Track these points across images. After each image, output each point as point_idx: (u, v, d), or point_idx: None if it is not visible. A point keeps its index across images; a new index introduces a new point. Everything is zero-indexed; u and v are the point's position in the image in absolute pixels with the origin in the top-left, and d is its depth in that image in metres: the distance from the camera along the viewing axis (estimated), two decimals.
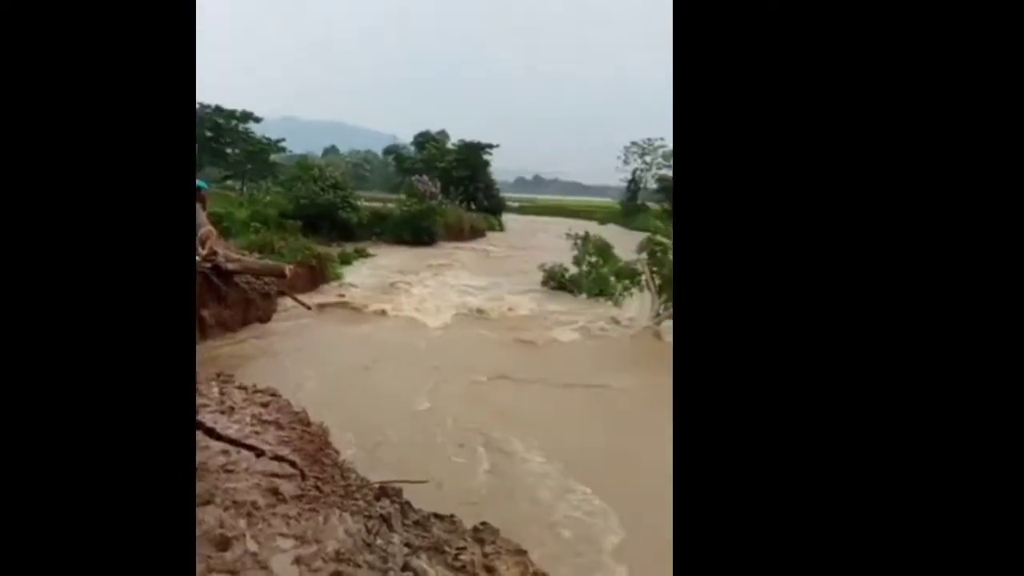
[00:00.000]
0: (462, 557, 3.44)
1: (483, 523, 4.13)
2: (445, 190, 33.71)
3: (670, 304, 12.74)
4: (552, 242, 19.00)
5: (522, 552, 3.70)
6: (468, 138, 43.66)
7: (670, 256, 12.93)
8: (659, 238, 13.32)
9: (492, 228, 37.42)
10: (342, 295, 14.15)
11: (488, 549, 3.70)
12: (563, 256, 16.46)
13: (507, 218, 44.03)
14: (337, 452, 4.53)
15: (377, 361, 9.71)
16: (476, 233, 32.85)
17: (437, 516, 4.13)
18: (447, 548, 3.53)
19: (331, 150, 64.47)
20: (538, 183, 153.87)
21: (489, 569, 3.42)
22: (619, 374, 9.98)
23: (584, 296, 15.24)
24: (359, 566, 2.84)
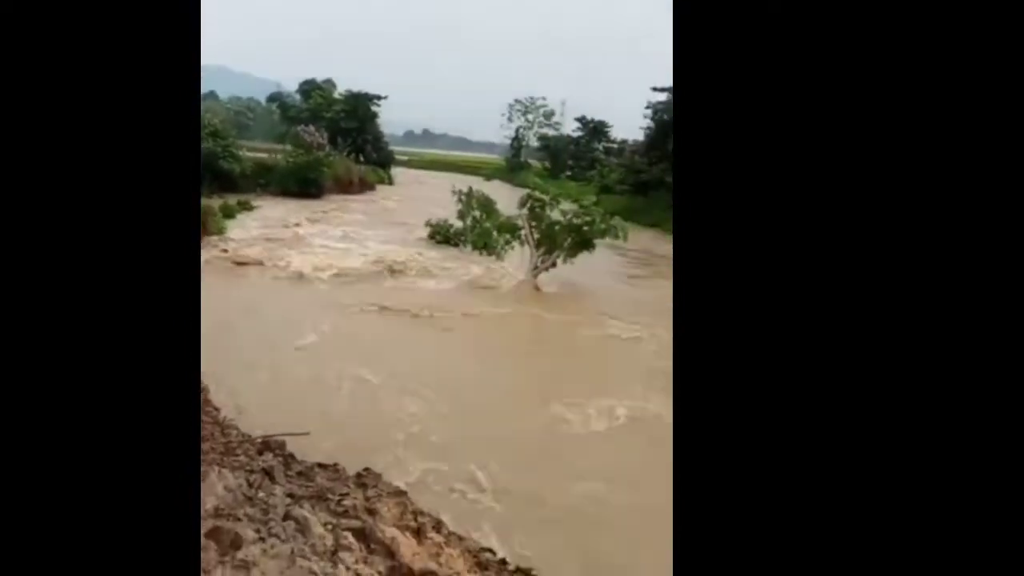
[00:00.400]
0: (345, 502, 3.48)
1: (366, 469, 4.18)
2: (333, 141, 32.14)
3: (547, 257, 13.11)
4: (440, 196, 18.85)
5: (402, 493, 3.80)
6: (356, 89, 41.57)
7: (548, 211, 13.22)
8: (538, 194, 13.52)
9: (381, 181, 36.29)
10: (225, 250, 13.30)
11: (370, 493, 3.76)
12: (451, 211, 16.36)
13: (396, 172, 42.80)
14: (217, 410, 4.36)
15: (256, 313, 9.32)
16: (365, 186, 31.72)
17: (321, 465, 4.12)
18: (330, 495, 3.55)
19: (210, 96, 58.98)
20: (427, 137, 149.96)
21: (371, 511, 3.48)
22: (491, 309, 10.86)
23: (469, 249, 15.30)
24: (239, 519, 2.81)
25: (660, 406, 7.05)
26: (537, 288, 12.67)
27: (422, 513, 3.65)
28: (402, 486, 4.10)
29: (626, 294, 13.68)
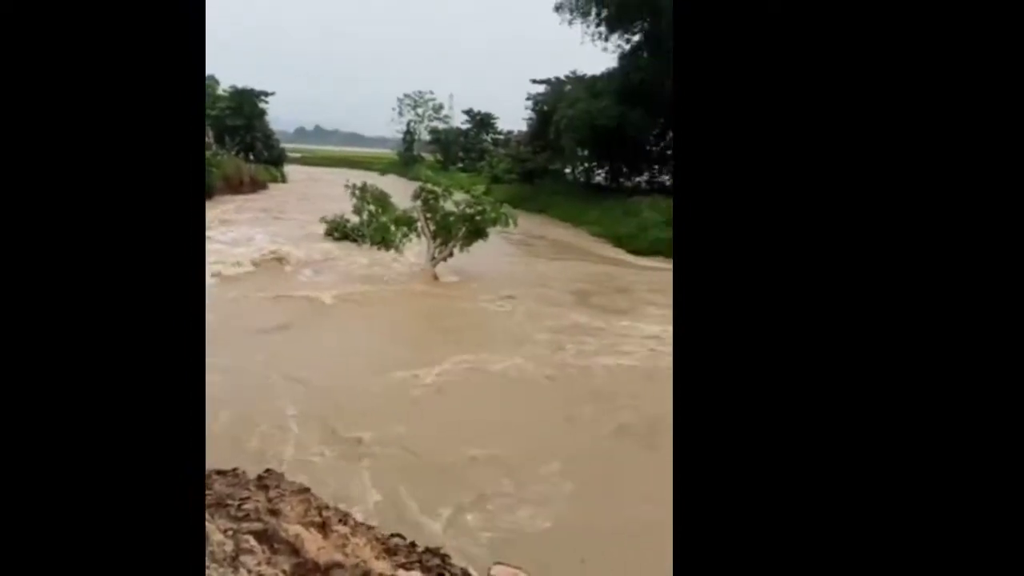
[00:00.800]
0: (246, 506, 3.28)
1: (267, 470, 3.96)
2: (220, 140, 30.10)
3: (443, 248, 13.00)
4: (335, 192, 18.15)
5: (306, 490, 3.64)
6: (241, 85, 38.84)
7: (441, 203, 13.10)
8: (430, 186, 13.35)
9: (274, 179, 34.35)
10: None
11: (272, 494, 3.57)
12: (346, 206, 15.81)
13: (290, 169, 40.65)
14: None
15: None
16: (257, 185, 29.87)
17: (219, 472, 3.86)
18: (230, 501, 3.33)
19: None
20: (319, 134, 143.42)
21: (274, 512, 3.31)
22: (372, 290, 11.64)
23: (368, 245, 14.87)
24: None
25: (510, 360, 8.02)
26: (436, 277, 12.56)
27: (327, 507, 3.51)
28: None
29: (507, 272, 14.17)
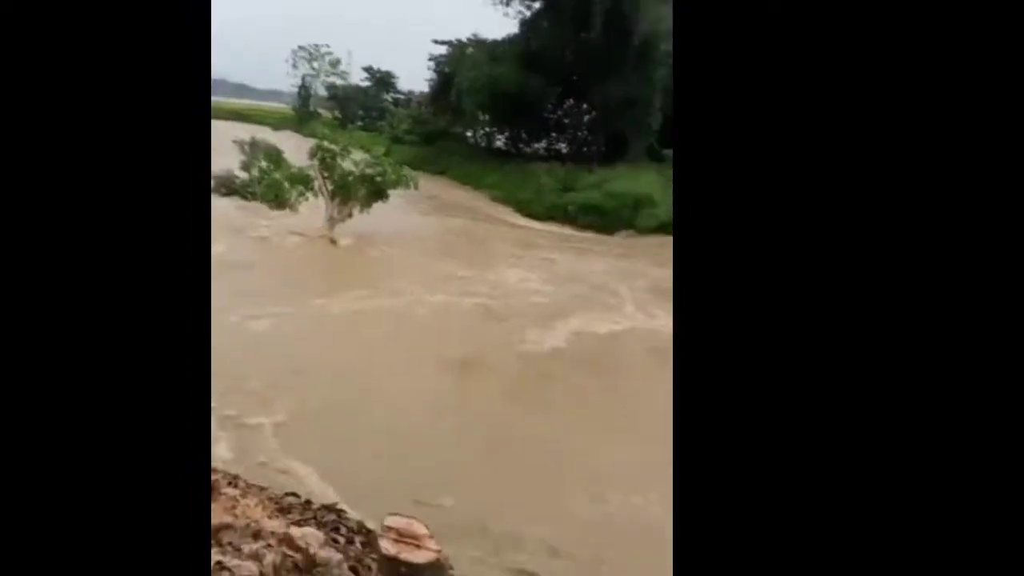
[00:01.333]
0: None
1: None
2: None
3: (343, 208, 12.51)
4: (225, 146, 16.77)
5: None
6: None
7: (339, 162, 12.55)
8: (327, 144, 12.71)
9: None
10: None
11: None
12: (235, 161, 14.70)
13: None
14: None
15: None
16: None
17: None
18: None
19: None
20: None
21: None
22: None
23: (259, 203, 13.96)
24: None
25: (361, 303, 8.66)
26: (333, 240, 12.08)
27: (215, 471, 3.37)
28: None
29: (396, 229, 14.06)
